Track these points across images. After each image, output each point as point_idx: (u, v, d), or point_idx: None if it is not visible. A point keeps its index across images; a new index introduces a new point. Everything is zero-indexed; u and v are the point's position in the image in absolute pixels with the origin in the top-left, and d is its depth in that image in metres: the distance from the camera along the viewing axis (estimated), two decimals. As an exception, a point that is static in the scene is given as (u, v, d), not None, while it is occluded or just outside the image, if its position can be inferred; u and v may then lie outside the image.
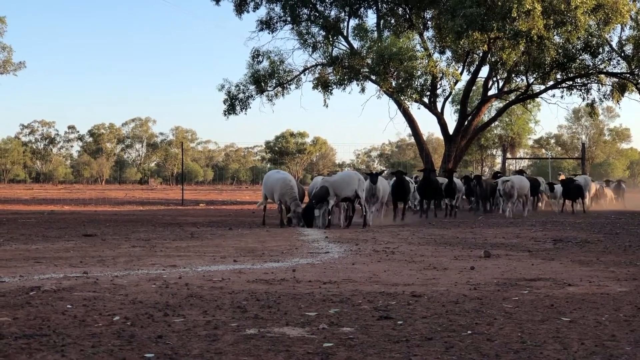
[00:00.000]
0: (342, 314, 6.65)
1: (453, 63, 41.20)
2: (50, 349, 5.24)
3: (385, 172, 32.11)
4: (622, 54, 37.54)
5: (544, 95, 41.90)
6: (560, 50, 35.86)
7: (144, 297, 7.49)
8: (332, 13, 39.85)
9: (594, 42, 36.24)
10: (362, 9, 39.66)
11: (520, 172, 33.49)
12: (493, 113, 50.37)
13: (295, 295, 7.72)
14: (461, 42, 34.95)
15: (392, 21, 40.45)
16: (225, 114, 40.21)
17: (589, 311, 6.90)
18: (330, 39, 39.07)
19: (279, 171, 22.83)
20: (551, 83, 39.79)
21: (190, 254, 12.36)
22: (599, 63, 37.82)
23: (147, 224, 20.90)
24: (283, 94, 40.56)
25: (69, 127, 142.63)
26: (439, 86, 40.01)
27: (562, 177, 35.57)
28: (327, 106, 40.97)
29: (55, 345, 5.35)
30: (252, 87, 39.63)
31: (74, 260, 10.98)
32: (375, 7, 39.68)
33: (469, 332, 5.93)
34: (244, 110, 40.06)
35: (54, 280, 8.70)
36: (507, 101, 44.62)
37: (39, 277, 8.97)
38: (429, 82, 37.82)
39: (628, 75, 38.11)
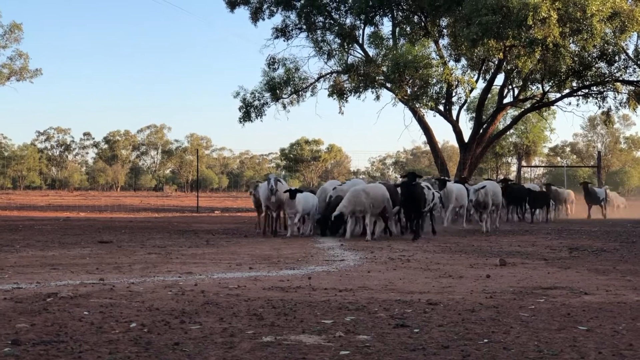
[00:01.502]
0: (358, 321, 6.65)
1: (468, 71, 41.16)
2: (68, 356, 5.26)
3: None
4: (638, 62, 37.38)
5: (559, 103, 41.76)
6: (576, 58, 35.76)
7: (160, 304, 7.51)
8: (348, 21, 39.88)
9: (610, 50, 36.11)
10: (377, 17, 39.60)
11: (505, 180, 30.19)
12: (508, 121, 50.23)
13: (311, 302, 7.72)
14: (476, 50, 34.91)
15: (408, 29, 40.41)
16: (240, 121, 40.29)
17: (606, 320, 6.87)
18: (346, 47, 39.11)
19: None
20: (567, 91, 39.65)
21: (206, 261, 12.39)
22: (615, 71, 37.68)
23: (163, 231, 20.95)
24: (298, 102, 40.64)
25: (85, 134, 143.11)
26: (454, 94, 39.98)
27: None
28: (342, 113, 41.05)
29: (73, 351, 5.37)
30: (267, 95, 39.69)
31: (90, 267, 11.03)
32: (390, 15, 39.67)
33: (486, 340, 5.92)
34: (259, 117, 40.14)
35: (71, 286, 8.74)
36: (523, 109, 44.49)
37: (55, 284, 9.02)
38: (445, 89, 37.78)
39: (644, 83, 37.99)
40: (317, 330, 6.26)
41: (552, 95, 41.10)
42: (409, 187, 18.38)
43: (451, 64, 39.19)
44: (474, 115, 44.40)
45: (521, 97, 42.10)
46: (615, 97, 39.55)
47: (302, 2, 39.00)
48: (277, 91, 39.24)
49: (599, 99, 39.80)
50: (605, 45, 35.72)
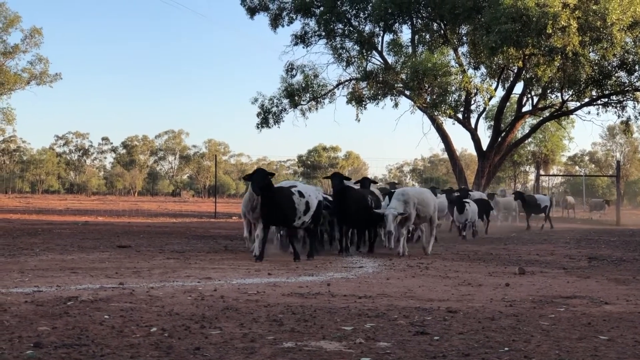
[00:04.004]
0: (378, 328, 6.65)
1: (487, 79, 40.95)
2: (90, 359, 5.28)
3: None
4: (659, 72, 37.19)
5: (578, 112, 41.57)
6: (595, 67, 35.61)
7: (180, 308, 7.53)
8: (367, 28, 39.84)
9: (630, 59, 35.91)
10: (396, 24, 39.52)
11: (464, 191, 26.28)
12: (527, 130, 50.12)
13: (330, 309, 7.72)
14: (495, 58, 34.86)
15: (427, 36, 40.35)
16: (258, 127, 40.35)
17: (627, 330, 6.84)
18: (365, 54, 39.08)
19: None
20: (586, 100, 39.46)
21: (225, 266, 12.41)
22: (635, 80, 37.45)
23: (181, 236, 20.99)
24: (317, 108, 40.65)
25: (103, 139, 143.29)
26: (473, 102, 39.85)
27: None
28: (359, 120, 40.97)
29: (95, 355, 5.39)
30: (285, 101, 39.73)
31: (110, 271, 11.07)
32: (410, 23, 39.61)
33: (506, 348, 5.90)
34: (277, 123, 40.20)
35: (91, 290, 8.78)
36: (541, 118, 44.36)
37: (75, 288, 9.05)
38: (463, 97, 37.73)
39: (664, 93, 37.77)
40: (337, 336, 6.26)
41: (571, 104, 40.94)
42: (266, 193, 14.00)
43: (470, 72, 39.14)
44: (492, 123, 44.27)
45: (540, 105, 41.95)
46: (634, 107, 39.26)
47: (322, 9, 39.02)
48: (296, 97, 39.29)
49: (618, 108, 39.57)
50: (626, 54, 35.55)
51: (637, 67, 36.58)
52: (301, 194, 14.43)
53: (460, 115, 39.43)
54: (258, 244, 14.11)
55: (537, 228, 30.35)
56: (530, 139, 56.69)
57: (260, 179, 13.87)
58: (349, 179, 16.81)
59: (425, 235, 17.40)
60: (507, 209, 31.20)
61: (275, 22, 40.84)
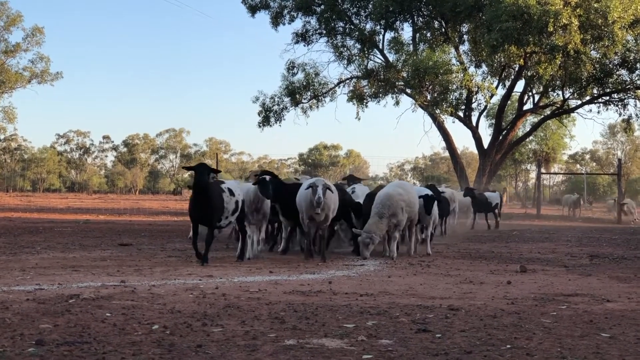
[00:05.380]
0: (380, 326, 6.65)
1: (488, 77, 40.86)
2: (92, 356, 5.29)
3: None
4: (660, 70, 37.15)
5: (579, 110, 41.58)
6: (597, 65, 35.59)
7: (181, 306, 7.53)
8: (368, 26, 39.81)
9: (631, 58, 35.90)
10: (397, 22, 39.49)
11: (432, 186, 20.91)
12: (528, 128, 50.12)
13: (332, 307, 7.72)
14: (497, 56, 34.79)
15: (428, 35, 40.31)
16: (259, 126, 40.31)
17: (629, 327, 6.84)
18: (366, 52, 39.03)
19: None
20: (587, 98, 39.45)
21: (226, 264, 12.43)
22: (636, 78, 37.41)
23: (182, 234, 20.94)
24: (317, 106, 40.60)
25: (104, 137, 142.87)
26: (474, 100, 39.77)
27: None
28: (359, 119, 40.90)
29: (97, 352, 5.40)
30: (286, 99, 39.68)
31: (111, 269, 11.07)
32: (411, 21, 39.59)
33: (508, 346, 5.90)
34: (278, 122, 40.14)
35: (93, 288, 8.78)
36: (543, 116, 44.37)
37: (77, 285, 9.06)
38: (464, 96, 37.69)
39: (665, 91, 37.74)
40: (339, 334, 6.26)
41: (573, 102, 40.95)
42: (204, 190, 12.69)
43: (471, 70, 39.11)
44: (493, 121, 44.25)
45: (541, 103, 41.96)
46: (636, 105, 39.24)
47: (323, 7, 39.00)
48: (297, 96, 39.23)
49: (619, 106, 39.55)
50: (627, 52, 35.55)
51: (638, 65, 36.56)
52: (231, 192, 13.22)
53: (461, 114, 39.40)
54: (245, 245, 13.80)
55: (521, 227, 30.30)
56: (531, 137, 56.76)
57: (204, 173, 12.59)
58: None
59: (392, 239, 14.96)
60: (464, 206, 30.08)
61: (276, 20, 40.77)
